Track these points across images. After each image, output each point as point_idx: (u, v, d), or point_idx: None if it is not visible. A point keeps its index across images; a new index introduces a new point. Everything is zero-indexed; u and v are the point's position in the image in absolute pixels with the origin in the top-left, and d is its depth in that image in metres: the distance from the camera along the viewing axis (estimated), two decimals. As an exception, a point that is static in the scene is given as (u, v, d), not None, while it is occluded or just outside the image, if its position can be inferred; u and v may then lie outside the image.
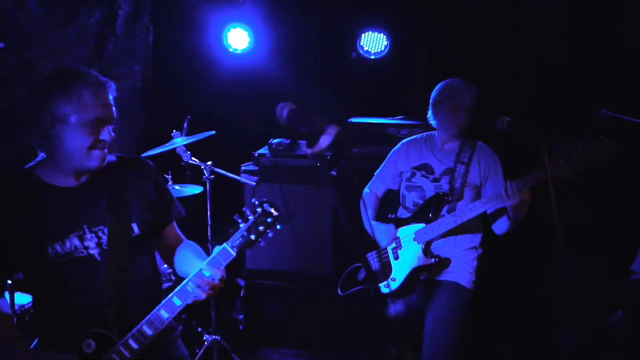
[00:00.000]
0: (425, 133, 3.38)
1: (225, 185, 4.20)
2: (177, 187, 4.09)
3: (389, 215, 3.36)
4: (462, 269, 3.17)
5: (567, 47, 4.21)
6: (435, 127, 3.28)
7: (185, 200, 4.18)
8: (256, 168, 4.46)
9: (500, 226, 3.12)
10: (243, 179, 4.28)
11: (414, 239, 3.15)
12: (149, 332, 2.07)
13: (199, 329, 4.13)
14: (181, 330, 4.06)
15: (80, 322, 2.09)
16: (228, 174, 4.07)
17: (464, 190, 3.14)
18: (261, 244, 2.06)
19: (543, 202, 2.69)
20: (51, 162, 2.11)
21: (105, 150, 2.12)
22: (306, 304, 4.43)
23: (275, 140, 4.47)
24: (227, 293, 4.69)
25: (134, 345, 2.07)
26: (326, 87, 4.77)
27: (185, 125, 3.98)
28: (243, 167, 4.48)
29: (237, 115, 4.90)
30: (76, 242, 2.10)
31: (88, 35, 4.54)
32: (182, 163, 3.99)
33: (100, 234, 2.13)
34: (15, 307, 3.29)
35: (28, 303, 3.51)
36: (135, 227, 2.18)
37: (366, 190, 3.48)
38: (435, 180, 3.20)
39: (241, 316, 4.63)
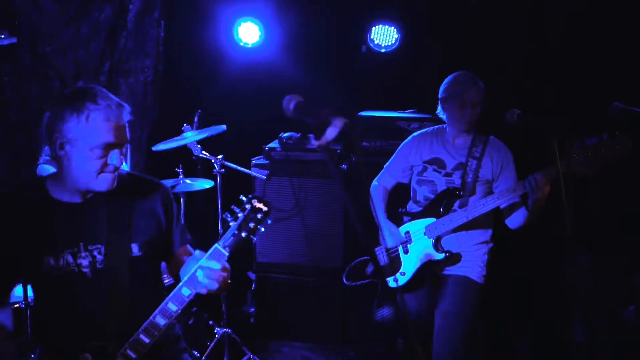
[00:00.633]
0: (436, 126, 3.36)
1: (236, 179, 4.21)
2: (188, 181, 4.11)
3: (399, 210, 3.35)
4: (472, 263, 3.16)
5: (580, 39, 4.16)
6: (445, 121, 3.26)
7: (196, 194, 4.21)
8: (267, 162, 4.46)
9: (515, 220, 3.10)
10: (253, 172, 4.28)
11: (425, 234, 3.14)
12: (145, 339, 2.06)
13: (210, 322, 4.15)
14: (192, 324, 4.12)
15: (74, 335, 2.11)
16: (238, 167, 4.07)
17: (475, 185, 3.13)
18: (253, 240, 2.03)
19: (555, 197, 2.66)
20: (60, 177, 2.11)
21: (115, 174, 2.08)
22: (317, 297, 4.44)
23: (286, 134, 4.47)
24: (237, 286, 4.73)
25: (132, 355, 2.06)
26: (336, 80, 4.76)
27: (195, 119, 4.00)
28: (253, 161, 4.49)
29: (247, 109, 4.91)
30: (69, 259, 2.10)
31: (100, 30, 4.57)
32: (193, 157, 4.01)
33: (95, 252, 2.12)
34: (29, 300, 3.32)
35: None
36: (135, 248, 2.16)
37: (375, 183, 3.46)
38: (447, 175, 3.18)
39: (252, 309, 4.65)
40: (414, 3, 4.69)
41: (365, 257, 3.40)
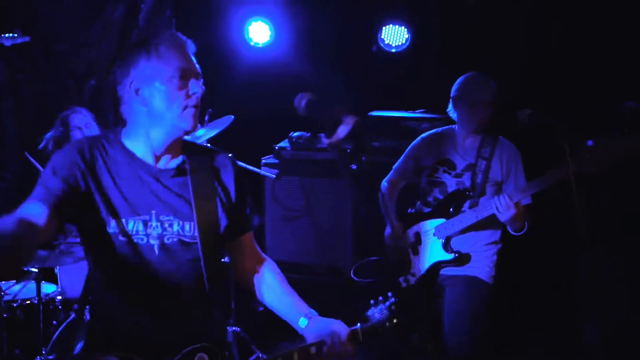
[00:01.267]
0: (445, 127, 3.36)
1: (246, 178, 4.22)
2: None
3: (409, 210, 3.35)
4: (482, 263, 3.16)
5: (589, 38, 4.14)
6: (455, 120, 3.26)
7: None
8: (277, 161, 4.48)
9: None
10: (263, 171, 4.30)
11: (434, 234, 3.15)
12: None
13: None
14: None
15: (132, 313, 1.92)
16: (248, 166, 4.09)
17: (485, 186, 3.13)
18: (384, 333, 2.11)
19: (567, 197, 2.66)
20: (134, 134, 1.94)
21: (198, 110, 1.93)
22: (326, 296, 4.43)
23: (296, 134, 4.49)
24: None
25: None
26: (347, 80, 4.76)
27: (206, 118, 4.02)
28: (264, 160, 4.51)
29: (257, 109, 4.92)
30: (139, 226, 1.90)
31: (112, 29, 4.60)
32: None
33: (167, 224, 1.93)
34: (42, 296, 3.36)
35: (53, 292, 3.59)
36: (223, 221, 2.01)
37: (384, 183, 3.47)
38: (458, 175, 3.18)
39: (261, 308, 4.65)
40: (424, 3, 4.69)
41: (374, 258, 3.40)
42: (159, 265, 1.91)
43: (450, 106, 3.24)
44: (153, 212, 1.92)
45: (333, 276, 4.41)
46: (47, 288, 3.61)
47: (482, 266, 3.16)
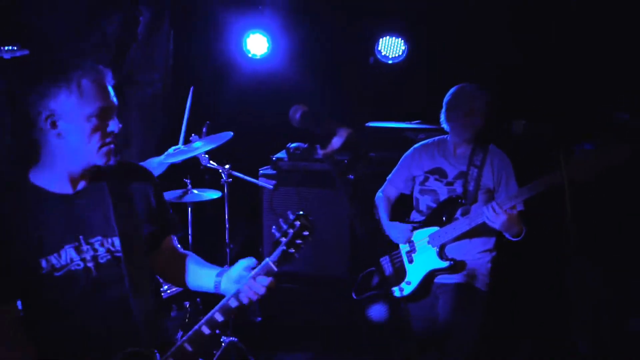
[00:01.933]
0: (437, 137, 3.39)
1: (243, 189, 4.25)
2: (195, 191, 4.15)
3: (405, 220, 3.37)
4: (477, 271, 3.17)
5: (584, 48, 4.18)
6: (448, 131, 3.29)
7: (204, 204, 4.24)
8: (274, 172, 4.50)
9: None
10: (261, 182, 4.31)
11: (428, 242, 3.16)
12: (189, 348, 1.98)
13: (217, 331, 4.16)
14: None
15: (83, 342, 1.94)
16: (246, 177, 4.11)
17: (477, 193, 3.15)
18: (296, 257, 2.04)
19: (559, 205, 2.68)
20: (47, 165, 1.93)
21: (113, 146, 1.94)
22: (323, 306, 4.45)
23: (293, 144, 4.51)
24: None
25: None
26: (344, 91, 4.81)
27: (204, 130, 4.04)
28: (261, 171, 4.53)
29: (255, 120, 4.96)
30: (72, 253, 1.92)
31: (108, 41, 4.62)
32: (201, 167, 4.05)
33: (97, 245, 1.97)
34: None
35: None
36: (143, 233, 2.07)
37: (379, 194, 3.51)
38: (449, 184, 3.21)
39: (258, 318, 4.66)
40: (421, 15, 4.73)
41: (370, 269, 3.42)
42: (99, 286, 1.95)
43: (442, 117, 3.27)
44: (81, 236, 1.95)
45: (330, 286, 4.41)
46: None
47: (477, 274, 3.17)
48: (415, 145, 3.42)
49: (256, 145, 4.80)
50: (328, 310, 4.43)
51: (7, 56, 3.73)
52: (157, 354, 1.98)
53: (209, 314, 2.01)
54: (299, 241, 1.99)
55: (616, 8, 4.09)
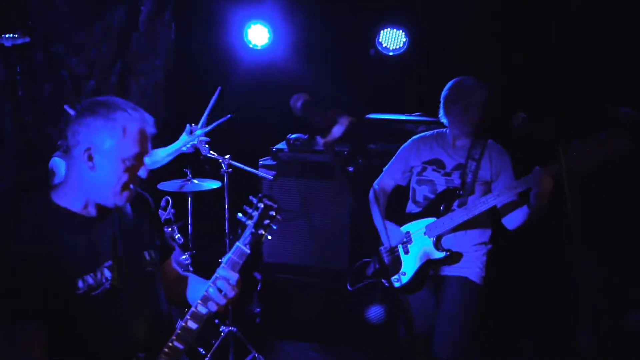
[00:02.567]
0: (436, 130, 3.39)
1: (243, 180, 4.25)
2: (195, 181, 4.16)
3: (407, 211, 3.38)
4: (472, 264, 3.18)
5: (586, 42, 4.17)
6: (446, 124, 3.29)
7: (204, 194, 4.25)
8: (274, 162, 4.50)
9: (514, 220, 3.10)
10: (261, 173, 4.32)
11: (425, 233, 3.17)
12: (179, 346, 2.08)
13: (216, 321, 4.19)
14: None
15: (111, 354, 2.02)
16: (245, 167, 4.11)
17: (475, 185, 3.15)
18: (268, 237, 2.12)
19: (561, 199, 2.68)
20: (71, 190, 2.02)
21: (133, 189, 2.04)
22: (322, 297, 4.47)
23: (294, 136, 4.51)
24: (244, 286, 4.76)
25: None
26: (345, 83, 4.80)
27: (204, 119, 4.03)
28: (261, 162, 4.53)
29: (255, 111, 4.96)
30: (107, 273, 2.03)
31: (112, 31, 4.63)
32: (201, 157, 4.05)
33: (119, 266, 2.06)
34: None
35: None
36: (147, 256, 2.18)
37: (375, 186, 3.50)
38: (447, 174, 3.21)
39: (258, 309, 4.68)
40: (422, 7, 4.73)
41: (365, 260, 3.43)
42: (125, 303, 2.06)
43: (441, 111, 3.26)
44: (109, 257, 2.05)
45: (329, 278, 4.43)
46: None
47: (472, 267, 3.18)
48: (414, 137, 3.41)
49: (256, 136, 4.81)
50: (327, 301, 4.45)
51: (8, 43, 3.73)
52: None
53: (192, 309, 2.11)
54: (266, 221, 2.10)
55: (616, 7, 4.09)
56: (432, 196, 3.22)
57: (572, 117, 3.55)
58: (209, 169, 4.29)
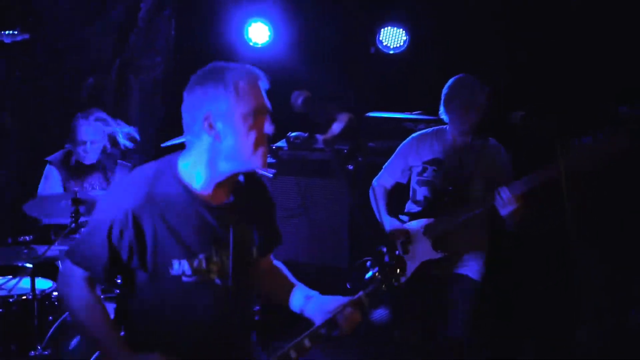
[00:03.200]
0: (435, 127, 3.39)
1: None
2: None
3: (400, 215, 3.38)
4: (471, 262, 3.19)
5: (583, 40, 4.17)
6: (447, 122, 3.29)
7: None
8: (274, 161, 4.50)
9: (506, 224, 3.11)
10: (260, 171, 4.31)
11: (424, 233, 3.17)
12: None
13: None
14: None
15: (189, 345, 1.95)
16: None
17: (475, 185, 3.15)
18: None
19: (557, 197, 2.68)
20: (198, 167, 1.91)
21: (267, 149, 1.93)
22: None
23: (293, 134, 4.51)
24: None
25: None
26: (345, 81, 4.80)
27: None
28: (261, 160, 4.53)
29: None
30: (204, 263, 1.92)
31: (112, 27, 4.63)
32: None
33: (224, 258, 1.96)
34: (37, 292, 3.37)
35: (49, 288, 3.60)
36: (254, 252, 2.07)
37: (374, 183, 3.50)
38: (447, 175, 3.20)
39: (257, 307, 4.68)
40: (422, 5, 4.72)
41: (366, 258, 3.43)
42: (217, 301, 1.97)
43: (441, 109, 3.26)
44: (213, 247, 1.94)
45: (329, 276, 4.42)
46: (43, 284, 3.62)
47: (471, 265, 3.18)
48: (413, 135, 3.41)
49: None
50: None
51: (7, 40, 3.72)
52: None
53: (298, 339, 2.07)
54: (393, 280, 2.08)
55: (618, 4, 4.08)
56: (432, 196, 3.21)
57: (574, 114, 3.55)
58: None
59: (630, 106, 2.97)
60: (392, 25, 4.77)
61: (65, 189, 3.84)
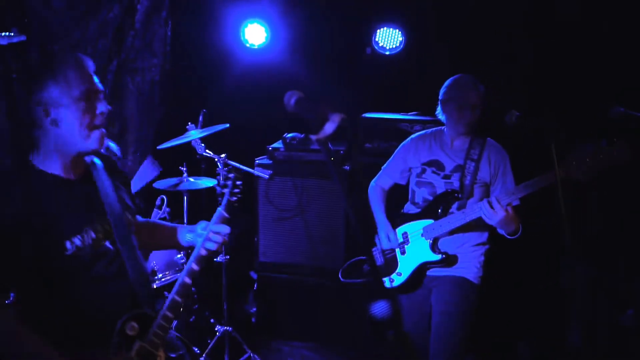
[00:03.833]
0: (434, 128, 3.39)
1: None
2: (191, 179, 4.15)
3: (402, 211, 3.38)
4: (469, 264, 3.18)
5: (581, 42, 4.18)
6: (444, 122, 3.29)
7: (199, 192, 4.24)
8: (270, 162, 4.50)
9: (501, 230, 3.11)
10: (257, 172, 4.31)
11: (422, 235, 3.17)
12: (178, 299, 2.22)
13: (211, 320, 4.19)
14: (193, 321, 4.15)
15: (105, 313, 2.09)
16: (241, 166, 4.10)
17: (474, 187, 3.15)
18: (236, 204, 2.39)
19: (554, 202, 2.68)
20: (48, 153, 2.09)
21: (104, 131, 2.12)
22: (318, 297, 4.46)
23: (290, 135, 4.51)
24: (239, 286, 4.76)
25: (170, 315, 2.19)
26: (341, 82, 4.80)
27: (200, 119, 4.03)
28: (257, 161, 4.53)
29: (252, 110, 4.95)
30: (92, 234, 2.10)
31: (108, 29, 4.61)
32: (197, 156, 4.04)
33: (106, 226, 2.15)
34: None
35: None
36: (128, 215, 2.29)
37: (372, 184, 3.50)
38: (446, 177, 3.20)
39: (253, 309, 4.68)
40: (419, 6, 4.73)
41: (362, 257, 3.42)
42: (107, 263, 2.15)
43: (438, 109, 3.27)
44: (94, 218, 2.14)
45: (325, 277, 4.43)
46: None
47: (469, 267, 3.18)
48: (412, 136, 3.41)
49: (252, 135, 4.81)
50: (322, 301, 4.45)
51: (3, 42, 3.72)
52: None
53: (187, 265, 2.29)
54: (236, 190, 2.39)
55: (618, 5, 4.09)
56: (431, 198, 3.22)
57: (568, 116, 3.56)
58: (205, 168, 4.28)
59: (628, 107, 2.97)
60: (388, 26, 4.78)
61: None
